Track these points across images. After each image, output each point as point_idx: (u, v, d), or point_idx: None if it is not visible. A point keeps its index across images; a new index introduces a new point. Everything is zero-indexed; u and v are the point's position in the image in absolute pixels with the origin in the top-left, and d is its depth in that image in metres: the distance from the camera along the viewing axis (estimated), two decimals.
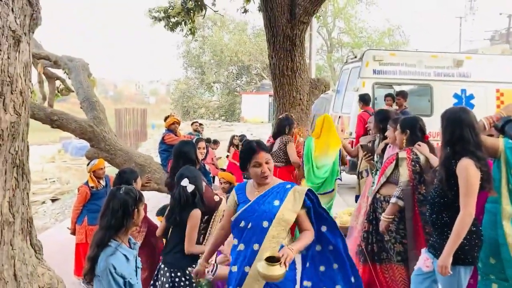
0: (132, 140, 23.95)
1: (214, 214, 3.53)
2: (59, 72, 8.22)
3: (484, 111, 6.20)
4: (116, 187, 2.70)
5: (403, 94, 7.61)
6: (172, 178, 3.73)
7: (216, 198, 3.71)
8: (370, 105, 7.63)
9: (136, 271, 2.66)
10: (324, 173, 5.44)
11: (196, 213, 3.21)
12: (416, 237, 3.55)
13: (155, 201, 6.15)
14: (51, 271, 2.42)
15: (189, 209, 3.22)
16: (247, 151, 2.64)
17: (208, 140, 9.70)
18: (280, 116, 5.30)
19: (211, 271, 3.30)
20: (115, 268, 2.51)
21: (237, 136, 10.39)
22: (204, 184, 3.49)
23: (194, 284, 3.19)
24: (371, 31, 30.54)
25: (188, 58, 28.63)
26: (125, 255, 2.55)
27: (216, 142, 9.20)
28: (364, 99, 7.44)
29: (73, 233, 4.89)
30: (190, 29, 10.00)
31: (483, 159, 2.77)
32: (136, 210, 2.61)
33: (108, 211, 2.58)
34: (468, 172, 2.72)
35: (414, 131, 3.63)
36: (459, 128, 2.79)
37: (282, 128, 5.22)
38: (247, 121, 25.05)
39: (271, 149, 5.09)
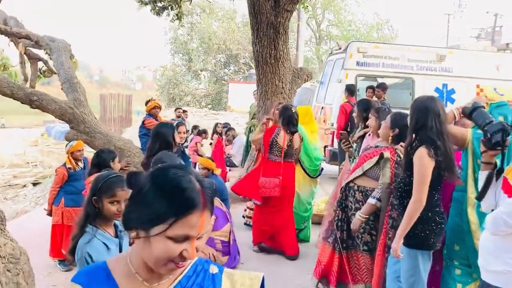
0: (117, 125, 23.72)
1: None
2: (42, 54, 8.11)
3: None
4: (95, 170, 2.60)
5: (382, 87, 7.71)
6: (148, 159, 3.75)
7: None
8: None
9: None
10: (319, 154, 5.63)
11: None
12: (383, 240, 3.52)
13: None
14: (13, 242, 2.40)
15: None
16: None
17: (195, 127, 9.70)
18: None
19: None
20: (91, 257, 2.31)
21: (220, 124, 10.41)
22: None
23: None
24: (360, 24, 30.64)
25: (176, 44, 28.39)
26: (105, 244, 2.36)
27: (205, 132, 9.18)
28: (350, 90, 7.50)
29: (50, 214, 4.87)
30: (177, 14, 9.90)
31: (442, 148, 2.85)
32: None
33: (88, 196, 2.42)
34: (420, 161, 2.83)
35: (404, 130, 3.42)
36: (424, 116, 2.88)
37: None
38: (233, 110, 24.99)
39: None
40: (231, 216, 4.73)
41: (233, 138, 10.01)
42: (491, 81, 8.69)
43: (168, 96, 27.71)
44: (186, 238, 1.03)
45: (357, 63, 8.53)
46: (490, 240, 2.26)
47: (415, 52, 8.78)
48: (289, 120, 4.89)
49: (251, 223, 5.52)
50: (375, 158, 3.58)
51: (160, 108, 6.56)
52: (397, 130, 3.46)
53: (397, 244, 2.91)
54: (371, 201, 3.49)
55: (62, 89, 6.56)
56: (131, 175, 1.12)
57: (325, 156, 8.26)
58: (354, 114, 4.50)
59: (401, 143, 3.46)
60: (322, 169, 5.71)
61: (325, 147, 8.43)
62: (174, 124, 4.43)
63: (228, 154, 9.73)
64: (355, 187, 3.74)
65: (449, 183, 3.30)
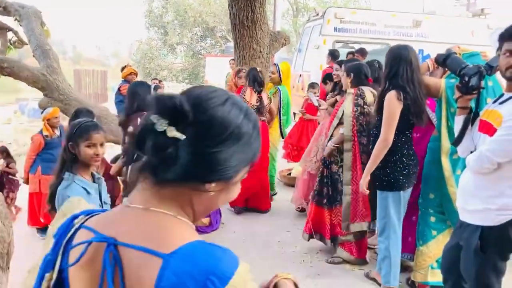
0: (92, 102, 23.27)
1: None
2: (11, 23, 7.80)
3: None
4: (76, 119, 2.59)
5: (362, 52, 7.70)
6: (126, 118, 3.70)
7: None
8: None
9: (102, 206, 2.51)
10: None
11: None
12: (353, 168, 3.70)
13: (112, 152, 6.09)
14: None
15: None
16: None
17: None
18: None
19: None
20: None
21: None
22: None
23: None
24: None
25: (150, 17, 27.67)
26: (84, 188, 2.40)
27: None
28: (334, 55, 7.48)
29: (26, 182, 4.80)
30: None
31: (411, 94, 3.00)
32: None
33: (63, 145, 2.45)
34: (388, 102, 3.02)
35: (358, 74, 3.75)
36: (397, 64, 3.05)
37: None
38: (211, 84, 24.72)
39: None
40: None
41: None
42: (466, 46, 8.78)
43: (144, 71, 27.17)
44: None
45: (335, 29, 8.51)
46: (470, 181, 2.33)
47: (391, 17, 8.81)
48: (254, 79, 4.98)
49: None
50: (344, 102, 3.79)
51: (136, 74, 6.46)
52: (351, 75, 3.74)
53: (364, 180, 3.17)
54: (341, 130, 3.72)
55: (33, 56, 6.35)
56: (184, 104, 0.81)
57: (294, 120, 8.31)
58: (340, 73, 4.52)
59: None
60: None
61: (294, 113, 8.47)
62: (152, 87, 4.38)
63: None
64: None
65: (426, 134, 3.42)
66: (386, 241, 3.25)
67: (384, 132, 3.06)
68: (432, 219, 3.30)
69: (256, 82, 5.02)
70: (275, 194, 5.71)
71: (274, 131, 5.60)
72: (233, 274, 0.74)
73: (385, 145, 3.06)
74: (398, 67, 3.04)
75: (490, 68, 2.46)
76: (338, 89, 4.69)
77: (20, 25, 6.75)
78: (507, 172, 2.17)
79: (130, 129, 3.58)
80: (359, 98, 3.67)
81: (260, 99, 5.05)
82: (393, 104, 3.01)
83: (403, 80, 3.02)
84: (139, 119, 3.60)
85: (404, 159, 3.15)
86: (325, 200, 3.90)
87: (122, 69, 6.44)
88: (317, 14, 9.12)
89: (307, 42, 9.36)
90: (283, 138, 5.84)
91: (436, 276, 3.17)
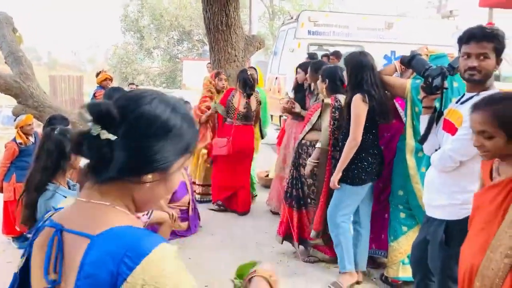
0: (68, 108, 22.89)
1: None
2: None
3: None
4: (50, 128, 2.57)
5: (337, 55, 7.84)
6: None
7: None
8: None
9: None
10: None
11: None
12: (325, 181, 3.71)
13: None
14: None
15: None
16: None
17: None
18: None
19: (147, 215, 3.39)
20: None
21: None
22: None
23: None
24: None
25: (126, 22, 27.46)
26: (65, 197, 2.42)
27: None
28: (312, 58, 7.59)
29: (0, 190, 4.74)
30: None
31: (376, 96, 3.19)
32: None
33: (43, 153, 2.47)
34: (354, 104, 3.19)
35: (334, 80, 3.74)
36: (361, 71, 3.23)
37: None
38: (189, 88, 24.67)
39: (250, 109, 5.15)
40: (192, 187, 4.79)
41: None
42: (436, 47, 9.00)
43: (121, 76, 26.93)
44: None
45: (309, 32, 8.63)
46: (435, 178, 2.44)
47: (364, 20, 8.98)
48: (244, 82, 5.01)
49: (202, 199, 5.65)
50: (319, 109, 3.80)
51: (111, 80, 6.43)
52: (327, 81, 3.76)
53: (335, 177, 3.31)
54: (318, 145, 3.75)
55: (6, 63, 6.28)
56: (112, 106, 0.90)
57: (280, 125, 8.40)
58: (307, 76, 4.61)
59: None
60: None
61: (280, 116, 8.56)
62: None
63: None
64: (307, 143, 3.95)
65: (397, 135, 3.53)
66: (335, 230, 3.42)
67: (352, 133, 3.22)
68: (402, 215, 3.41)
69: (248, 86, 5.07)
70: (256, 196, 5.75)
71: (255, 138, 5.65)
72: (150, 251, 0.82)
73: (355, 144, 3.22)
74: (362, 75, 3.22)
75: (452, 69, 2.58)
76: (310, 90, 4.75)
77: None
78: (468, 169, 2.28)
79: None
80: (336, 111, 3.66)
81: (247, 104, 5.09)
82: (359, 106, 3.18)
83: (368, 85, 3.21)
84: None
85: (370, 158, 3.32)
86: (293, 202, 3.96)
87: (97, 74, 6.41)
88: (292, 18, 9.23)
89: (282, 45, 9.46)
90: (262, 138, 5.93)
91: (407, 272, 3.27)
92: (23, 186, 4.58)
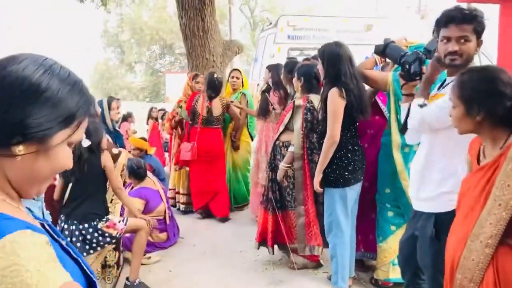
0: None
1: (113, 166, 3.41)
2: None
3: None
4: None
5: (317, 58, 7.78)
6: None
7: (115, 151, 3.59)
8: None
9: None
10: None
11: (107, 154, 3.23)
12: (305, 187, 3.57)
13: None
14: None
15: (91, 159, 3.12)
16: None
17: (124, 118, 9.32)
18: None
19: (123, 221, 3.23)
20: None
21: (155, 108, 10.09)
22: (104, 137, 3.35)
23: (106, 234, 3.10)
24: (292, 8, 30.88)
25: (106, 37, 27.32)
26: (28, 208, 2.34)
27: (130, 115, 8.90)
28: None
29: None
30: (102, 1, 9.50)
31: (355, 90, 3.00)
32: None
33: None
34: (331, 99, 3.00)
35: (309, 78, 3.58)
36: (338, 63, 3.03)
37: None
38: (172, 102, 24.50)
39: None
40: (167, 195, 4.60)
41: None
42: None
43: (103, 91, 26.68)
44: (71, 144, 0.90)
45: (288, 37, 8.56)
46: (421, 167, 2.29)
47: (343, 23, 8.95)
48: (209, 85, 4.92)
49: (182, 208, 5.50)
50: (291, 111, 3.63)
51: None
52: (302, 79, 3.58)
53: (317, 178, 3.09)
54: (291, 148, 3.58)
55: None
56: None
57: None
58: (281, 76, 4.48)
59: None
60: None
61: None
62: (106, 101, 4.25)
63: (165, 139, 9.46)
64: (280, 144, 3.81)
65: (380, 132, 3.40)
66: (332, 240, 3.18)
67: (330, 130, 3.01)
68: (390, 213, 3.26)
69: (211, 89, 4.94)
70: (246, 204, 5.55)
71: (244, 139, 5.51)
72: (4, 235, 0.73)
73: (332, 142, 3.01)
74: (339, 67, 3.01)
75: (429, 52, 2.47)
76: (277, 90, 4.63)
77: None
78: (453, 152, 2.14)
79: None
80: (308, 113, 3.50)
81: (208, 108, 4.96)
82: (336, 101, 2.98)
83: (346, 78, 3.00)
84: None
85: (349, 155, 3.11)
86: (269, 205, 3.77)
87: None
88: (271, 23, 9.17)
89: (262, 51, 9.37)
90: (252, 140, 5.78)
91: (398, 273, 3.07)
92: None
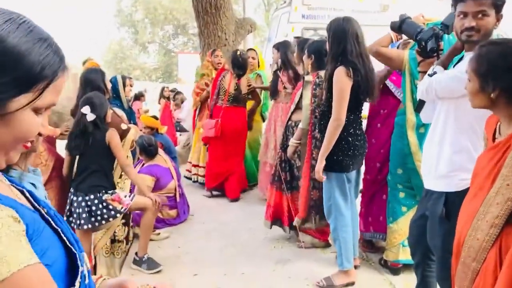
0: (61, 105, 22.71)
1: (122, 142, 3.40)
2: None
3: None
4: None
5: None
6: (77, 106, 3.51)
7: (124, 127, 3.57)
8: None
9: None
10: None
11: (113, 132, 3.17)
12: (306, 161, 3.50)
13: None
14: None
15: (96, 134, 3.11)
16: None
17: (135, 97, 9.32)
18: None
19: (129, 197, 3.23)
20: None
21: (167, 87, 10.09)
22: (111, 111, 3.34)
23: (110, 207, 3.10)
24: None
25: (120, 17, 27.20)
26: (32, 183, 2.35)
27: (142, 95, 8.91)
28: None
29: None
30: None
31: (362, 70, 2.87)
32: None
33: None
34: (337, 79, 2.84)
35: (320, 55, 3.45)
36: (344, 40, 2.87)
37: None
38: (184, 82, 24.43)
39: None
40: (178, 173, 4.60)
41: (182, 102, 9.72)
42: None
43: (116, 72, 26.73)
44: (45, 110, 0.79)
45: (303, 16, 8.39)
46: (433, 143, 2.23)
47: (359, 3, 8.74)
48: (234, 63, 4.85)
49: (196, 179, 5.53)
50: (301, 89, 3.57)
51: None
52: (312, 57, 3.48)
53: (320, 165, 2.93)
54: (301, 125, 3.51)
55: None
56: None
57: None
58: (294, 54, 4.40)
59: None
60: None
61: None
62: (119, 77, 4.26)
63: (177, 118, 9.46)
64: (292, 124, 3.77)
65: (393, 112, 3.32)
66: (333, 223, 3.11)
67: (336, 112, 2.85)
68: (401, 194, 3.21)
69: (236, 67, 4.90)
70: (256, 184, 5.52)
71: (256, 118, 5.48)
72: None
73: (338, 124, 2.85)
74: (346, 43, 2.85)
75: (446, 27, 2.37)
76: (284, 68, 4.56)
77: None
78: (467, 125, 2.08)
79: None
80: (317, 88, 3.42)
81: (237, 86, 4.91)
82: (343, 80, 2.82)
83: (352, 56, 2.85)
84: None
85: (350, 139, 2.96)
86: (283, 185, 3.77)
87: (84, 62, 6.17)
88: (285, 2, 9.00)
89: (276, 31, 9.22)
90: (264, 121, 5.74)
91: (408, 254, 3.05)
92: None
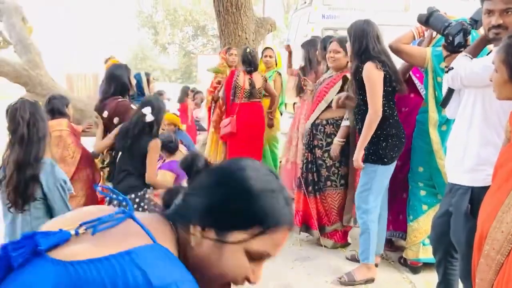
0: (88, 106, 23.11)
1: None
2: None
3: None
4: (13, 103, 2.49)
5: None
6: (101, 103, 3.56)
7: None
8: None
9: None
10: None
11: (157, 143, 3.08)
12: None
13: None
14: None
15: (144, 138, 3.05)
16: None
17: (159, 93, 9.40)
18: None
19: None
20: (65, 182, 2.51)
21: (188, 87, 10.17)
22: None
23: (152, 203, 3.12)
24: None
25: (141, 18, 27.54)
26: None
27: (161, 94, 8.96)
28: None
29: None
30: None
31: (387, 62, 2.95)
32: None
33: (20, 127, 2.36)
34: (369, 72, 2.91)
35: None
36: (365, 40, 2.95)
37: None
38: (204, 84, 24.60)
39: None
40: None
41: (201, 102, 9.79)
42: None
43: (136, 72, 27.09)
44: (260, 259, 0.86)
45: (323, 16, 8.38)
46: (459, 136, 2.21)
47: (381, 2, 8.68)
48: (243, 59, 4.89)
49: None
50: (338, 84, 3.55)
51: None
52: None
53: (357, 155, 3.00)
54: (345, 123, 3.50)
55: (15, 51, 6.22)
56: (194, 158, 0.93)
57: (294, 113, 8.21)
58: (317, 52, 4.39)
59: None
60: None
61: (294, 104, 8.35)
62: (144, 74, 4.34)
63: (196, 117, 9.53)
64: (323, 122, 3.67)
65: (415, 110, 3.30)
66: (362, 217, 3.10)
67: (372, 105, 2.91)
68: (422, 192, 3.19)
69: (246, 63, 4.93)
70: None
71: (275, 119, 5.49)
72: None
73: (376, 117, 2.91)
74: (367, 42, 2.95)
75: (475, 22, 2.36)
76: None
77: (0, 20, 6.60)
78: (494, 119, 2.06)
79: (105, 114, 3.44)
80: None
81: (251, 81, 4.94)
82: (374, 73, 2.90)
83: (375, 52, 2.94)
84: (115, 103, 3.46)
85: (396, 132, 3.02)
86: (310, 188, 3.71)
87: (106, 61, 6.29)
88: (305, 2, 9.00)
89: (295, 31, 9.24)
90: (281, 115, 5.80)
91: (428, 253, 3.05)
92: None
